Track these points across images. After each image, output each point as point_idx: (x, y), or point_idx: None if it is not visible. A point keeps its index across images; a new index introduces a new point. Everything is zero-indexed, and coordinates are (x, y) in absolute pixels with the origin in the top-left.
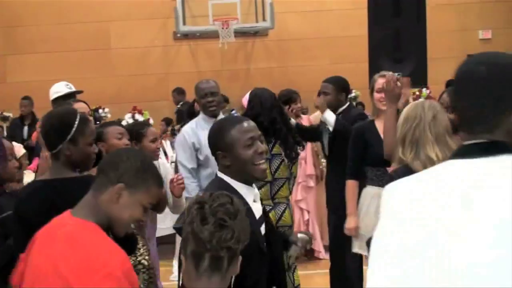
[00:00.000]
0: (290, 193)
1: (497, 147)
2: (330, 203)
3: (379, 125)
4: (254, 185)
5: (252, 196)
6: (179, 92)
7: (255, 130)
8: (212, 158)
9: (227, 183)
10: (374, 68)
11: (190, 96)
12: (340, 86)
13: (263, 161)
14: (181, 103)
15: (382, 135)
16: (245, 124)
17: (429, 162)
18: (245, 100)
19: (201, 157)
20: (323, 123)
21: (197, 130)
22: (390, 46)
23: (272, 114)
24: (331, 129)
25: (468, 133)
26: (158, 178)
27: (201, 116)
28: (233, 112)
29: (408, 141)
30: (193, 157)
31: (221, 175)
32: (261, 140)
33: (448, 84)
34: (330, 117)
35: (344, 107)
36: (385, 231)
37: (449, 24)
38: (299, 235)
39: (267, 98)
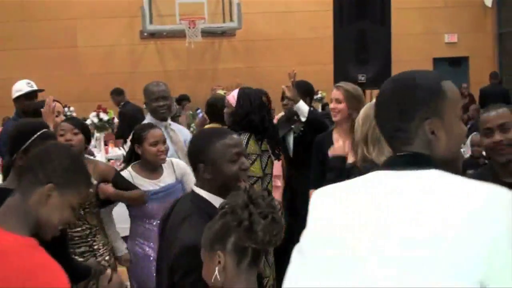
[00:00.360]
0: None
1: (418, 160)
2: (294, 207)
3: (335, 136)
4: None
5: None
6: (118, 93)
7: (241, 145)
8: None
9: (204, 198)
10: (339, 70)
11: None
12: (304, 90)
13: (245, 177)
14: (122, 103)
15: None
16: (231, 138)
17: None
18: (231, 98)
19: None
20: (285, 124)
21: None
22: (355, 48)
23: (262, 112)
24: (303, 119)
25: (392, 149)
26: (87, 177)
27: (150, 118)
28: (198, 111)
29: (370, 140)
30: None
31: (198, 190)
32: (245, 155)
33: None
34: (303, 106)
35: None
36: (307, 237)
37: (416, 28)
38: None
39: (255, 97)
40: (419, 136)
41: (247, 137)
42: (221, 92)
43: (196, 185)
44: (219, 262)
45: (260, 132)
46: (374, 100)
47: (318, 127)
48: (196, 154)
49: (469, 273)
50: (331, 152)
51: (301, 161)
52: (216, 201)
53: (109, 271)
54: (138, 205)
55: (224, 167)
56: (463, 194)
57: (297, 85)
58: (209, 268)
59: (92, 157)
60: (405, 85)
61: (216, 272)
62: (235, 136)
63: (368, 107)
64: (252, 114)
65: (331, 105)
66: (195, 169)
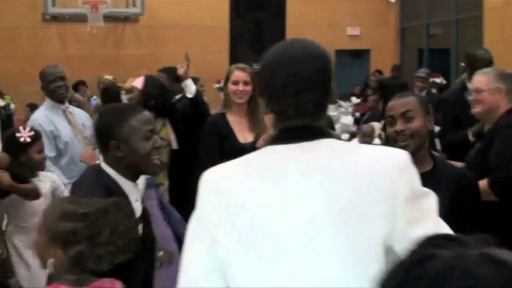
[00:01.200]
0: None
1: (315, 132)
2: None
3: (231, 118)
4: (139, 182)
5: (135, 194)
6: None
7: (153, 123)
8: (72, 145)
9: (110, 177)
10: (234, 58)
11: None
12: (173, 75)
13: (158, 156)
14: None
15: (234, 128)
16: (144, 115)
17: None
18: (139, 83)
19: (61, 145)
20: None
21: (52, 117)
22: (250, 38)
23: (171, 95)
24: (190, 96)
25: (292, 123)
26: None
27: (48, 102)
28: (93, 98)
29: None
30: (52, 145)
31: (105, 167)
32: (157, 133)
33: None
34: (191, 84)
35: (178, 96)
36: (197, 226)
37: (319, 19)
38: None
39: (162, 82)
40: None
41: (163, 122)
42: (108, 77)
43: (106, 162)
44: (54, 258)
45: (168, 115)
46: None
47: (201, 112)
48: (107, 131)
49: (373, 236)
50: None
51: (185, 150)
52: (123, 182)
53: None
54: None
55: (138, 144)
56: (360, 160)
57: (166, 70)
58: (43, 249)
59: None
60: (322, 57)
61: (49, 262)
62: (146, 112)
63: None
64: (162, 95)
65: (240, 87)
66: (105, 147)
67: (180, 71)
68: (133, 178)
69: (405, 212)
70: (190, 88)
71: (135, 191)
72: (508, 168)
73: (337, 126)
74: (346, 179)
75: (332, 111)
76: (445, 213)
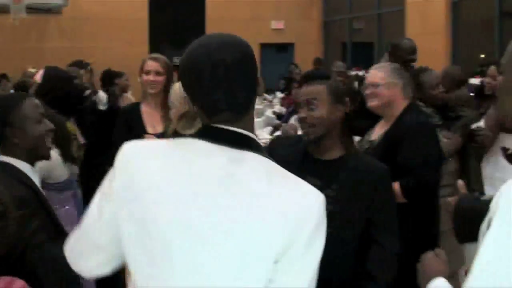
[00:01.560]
0: None
1: (244, 141)
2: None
3: (144, 109)
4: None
5: (37, 179)
6: None
7: (42, 107)
8: None
9: (14, 166)
10: (154, 51)
11: None
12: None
13: (50, 139)
14: None
15: (145, 118)
16: (33, 99)
17: None
18: (38, 76)
19: None
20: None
21: None
22: (170, 31)
23: (75, 88)
24: (102, 107)
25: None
26: None
27: None
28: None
29: (187, 117)
30: None
31: (6, 159)
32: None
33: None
34: (102, 96)
35: (89, 92)
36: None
37: (243, 13)
38: None
39: (65, 74)
40: (249, 115)
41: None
42: (32, 70)
43: (3, 153)
44: None
45: (70, 110)
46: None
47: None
48: (1, 119)
49: (259, 270)
50: None
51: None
52: (27, 169)
53: None
54: None
55: (32, 128)
56: (276, 191)
57: (79, 64)
58: None
59: None
60: (244, 45)
61: None
62: (34, 98)
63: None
64: (62, 89)
65: (151, 77)
66: (0, 136)
67: (85, 79)
68: (31, 164)
69: (291, 260)
70: (102, 100)
71: (36, 175)
72: (420, 173)
73: (261, 119)
74: (257, 203)
75: (257, 104)
76: (348, 200)
